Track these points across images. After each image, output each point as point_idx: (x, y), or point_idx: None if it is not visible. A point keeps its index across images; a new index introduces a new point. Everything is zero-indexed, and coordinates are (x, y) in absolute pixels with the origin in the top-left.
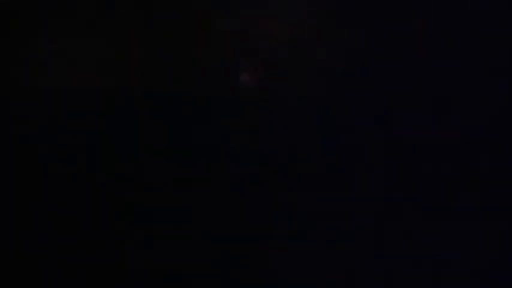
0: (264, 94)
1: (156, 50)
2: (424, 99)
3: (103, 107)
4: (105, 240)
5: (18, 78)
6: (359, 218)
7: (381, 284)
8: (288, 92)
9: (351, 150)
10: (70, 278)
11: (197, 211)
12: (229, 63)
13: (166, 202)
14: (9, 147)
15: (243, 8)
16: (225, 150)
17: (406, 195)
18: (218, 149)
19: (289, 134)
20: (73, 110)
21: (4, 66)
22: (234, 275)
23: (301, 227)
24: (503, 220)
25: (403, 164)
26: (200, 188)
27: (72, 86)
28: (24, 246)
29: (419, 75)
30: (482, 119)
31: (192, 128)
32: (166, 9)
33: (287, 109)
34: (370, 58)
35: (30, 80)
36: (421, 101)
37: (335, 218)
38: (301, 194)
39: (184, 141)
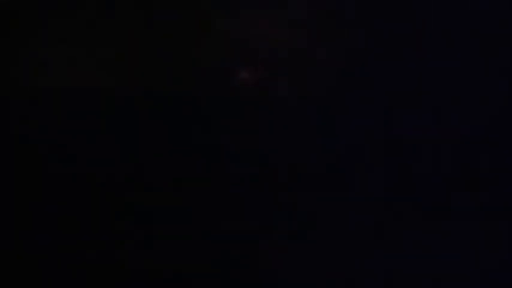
0: (264, 94)
1: (156, 50)
2: (424, 99)
3: (103, 107)
4: (105, 240)
5: (18, 78)
6: (359, 218)
7: (381, 284)
8: (288, 92)
9: (351, 150)
10: (70, 278)
11: (197, 211)
12: (229, 63)
13: (166, 202)
14: (9, 147)
15: (243, 8)
16: (225, 150)
17: (406, 195)
18: (218, 149)
19: (289, 134)
20: (73, 110)
21: (4, 66)
22: (234, 275)
23: (301, 227)
24: (503, 220)
25: (403, 164)
26: (200, 188)
27: (72, 86)
28: (25, 246)
29: (419, 75)
30: (482, 119)
31: (192, 128)
32: (166, 9)
33: (287, 109)
34: (370, 58)
35: (30, 80)
36: (421, 101)
37: (335, 218)
38: (301, 194)
39: (184, 141)
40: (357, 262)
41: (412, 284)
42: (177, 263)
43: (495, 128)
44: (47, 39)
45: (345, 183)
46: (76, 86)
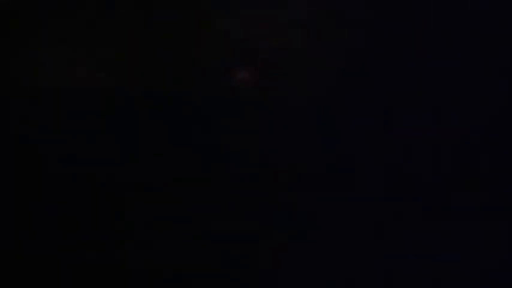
0: (264, 94)
1: (156, 50)
2: (424, 99)
3: (103, 107)
4: (105, 240)
5: (18, 78)
6: (359, 218)
7: (381, 284)
8: (288, 92)
9: (351, 150)
10: (70, 278)
11: (197, 211)
12: (229, 63)
13: (166, 202)
14: (9, 147)
15: (243, 8)
16: (225, 150)
17: (406, 195)
18: (218, 149)
19: (289, 134)
20: (73, 110)
21: (4, 66)
22: (234, 275)
23: (301, 227)
24: (503, 220)
25: (403, 164)
26: (200, 188)
27: (72, 86)
28: (25, 246)
29: (419, 75)
30: (482, 119)
31: (192, 128)
32: (166, 9)
33: (287, 109)
34: (370, 58)
35: (30, 80)
36: (421, 101)
37: (335, 218)
38: (301, 194)
39: (184, 141)
40: (357, 262)
41: (412, 284)
42: (177, 263)
43: (495, 128)
44: (47, 39)
45: (345, 183)
46: (76, 86)
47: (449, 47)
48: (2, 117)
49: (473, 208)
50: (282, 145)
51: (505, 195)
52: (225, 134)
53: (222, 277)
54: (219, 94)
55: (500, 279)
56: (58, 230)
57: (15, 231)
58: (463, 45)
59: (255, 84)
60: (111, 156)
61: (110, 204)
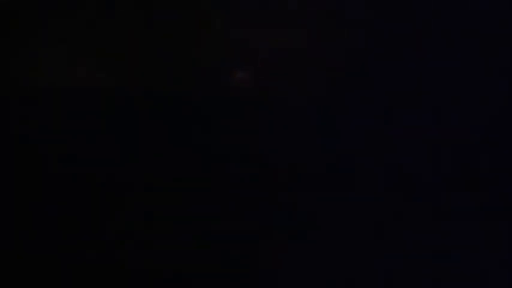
0: (264, 94)
1: (156, 50)
2: (424, 99)
3: (103, 107)
4: (105, 240)
5: (18, 78)
6: (359, 218)
7: (381, 284)
8: (288, 92)
9: (351, 150)
10: (70, 278)
11: (197, 211)
12: (229, 63)
13: (166, 202)
14: (9, 147)
15: (243, 8)
16: (225, 150)
17: (406, 195)
18: (218, 149)
19: (289, 134)
20: (73, 110)
21: (4, 66)
22: (234, 275)
23: (301, 227)
24: (503, 220)
25: (403, 164)
26: (200, 188)
27: (72, 86)
28: (25, 246)
29: (419, 75)
30: (482, 119)
31: (192, 128)
32: (166, 9)
33: (287, 109)
34: (370, 58)
35: (30, 80)
36: (421, 101)
37: (335, 218)
38: (301, 194)
39: (184, 141)
40: (357, 262)
41: (412, 284)
42: (177, 263)
43: (495, 128)
44: (47, 39)
45: (345, 183)
46: (76, 86)
47: (449, 47)
48: (2, 117)
49: (473, 208)
50: (282, 145)
51: (505, 195)
52: (225, 134)
53: (222, 277)
54: (219, 94)
55: (500, 279)
56: (58, 230)
57: (15, 231)
58: (463, 45)
59: (255, 84)
60: (111, 156)
61: (110, 204)
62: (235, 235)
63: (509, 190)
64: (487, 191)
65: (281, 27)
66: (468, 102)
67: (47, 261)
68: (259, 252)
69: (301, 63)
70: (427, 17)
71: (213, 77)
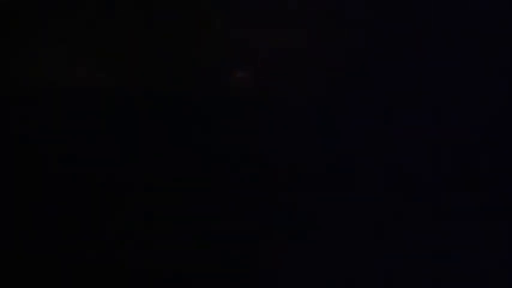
0: (264, 94)
1: (156, 50)
2: (424, 99)
3: (103, 107)
4: (105, 240)
5: (18, 78)
6: (359, 218)
7: (381, 284)
8: (288, 92)
9: (351, 150)
10: (70, 278)
11: (197, 211)
12: (229, 63)
13: (166, 202)
14: (9, 147)
15: (243, 8)
16: (225, 150)
17: (406, 195)
18: (218, 149)
19: (289, 134)
20: (73, 110)
21: (4, 66)
22: (234, 275)
23: (301, 227)
24: (503, 220)
25: (403, 164)
26: (200, 188)
27: (72, 86)
28: (25, 246)
29: (419, 75)
30: (482, 119)
31: (192, 128)
32: (166, 9)
33: (287, 109)
34: (370, 58)
35: (30, 80)
36: (421, 101)
37: (335, 218)
38: (301, 194)
39: (184, 141)
40: (357, 262)
41: (412, 284)
42: (177, 263)
43: (495, 128)
44: (47, 39)
45: (345, 183)
46: (76, 86)
47: (449, 47)
48: (2, 117)
49: (473, 208)
50: (282, 145)
51: (505, 195)
52: (225, 134)
53: (222, 277)
54: (219, 94)
55: (500, 279)
56: (58, 230)
57: (15, 231)
58: (463, 45)
59: (255, 84)
60: (111, 156)
61: (110, 204)
62: (235, 235)
63: (509, 190)
64: (487, 191)
65: (281, 27)
66: (468, 102)
67: (47, 261)
68: (259, 252)
69: (301, 63)
70: (427, 17)
71: (213, 77)
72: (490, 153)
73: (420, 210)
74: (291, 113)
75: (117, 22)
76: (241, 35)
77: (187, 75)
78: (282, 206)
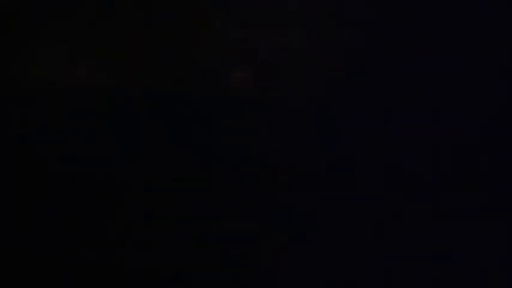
0: (264, 94)
1: (156, 50)
2: (424, 99)
3: (103, 107)
4: (105, 240)
5: (18, 78)
6: (359, 218)
7: (381, 284)
8: (288, 92)
9: (351, 150)
10: (70, 278)
11: (197, 211)
12: (230, 63)
13: (166, 202)
14: (9, 147)
15: (243, 8)
16: (225, 150)
17: (406, 195)
18: (218, 149)
19: (289, 134)
20: (73, 110)
21: (4, 66)
22: (234, 275)
23: (301, 227)
24: (503, 220)
25: (403, 164)
26: (200, 188)
27: (72, 86)
28: (25, 246)
29: (419, 75)
30: (482, 119)
31: (192, 128)
32: (166, 9)
33: (287, 109)
34: (370, 58)
35: (30, 80)
36: (421, 101)
37: (335, 218)
38: (301, 194)
39: (184, 141)
40: (357, 262)
41: (412, 284)
42: (177, 263)
43: (495, 128)
44: (47, 39)
45: (345, 183)
46: (76, 86)
47: (449, 47)
48: (2, 117)
49: (473, 208)
50: (282, 145)
51: (505, 195)
52: (225, 134)
53: (222, 277)
54: (219, 94)
55: (500, 279)
56: (58, 230)
57: (16, 231)
58: (463, 45)
59: (255, 84)
60: (111, 156)
61: (110, 204)
62: (235, 235)
63: (509, 190)
64: (487, 191)
65: (281, 27)
66: (468, 102)
67: (47, 261)
68: (259, 252)
69: (301, 63)
70: (427, 17)
71: (213, 77)
72: (490, 153)
73: (420, 210)
74: (291, 113)
75: (117, 22)
76: (241, 35)
77: (187, 75)
78: (282, 206)
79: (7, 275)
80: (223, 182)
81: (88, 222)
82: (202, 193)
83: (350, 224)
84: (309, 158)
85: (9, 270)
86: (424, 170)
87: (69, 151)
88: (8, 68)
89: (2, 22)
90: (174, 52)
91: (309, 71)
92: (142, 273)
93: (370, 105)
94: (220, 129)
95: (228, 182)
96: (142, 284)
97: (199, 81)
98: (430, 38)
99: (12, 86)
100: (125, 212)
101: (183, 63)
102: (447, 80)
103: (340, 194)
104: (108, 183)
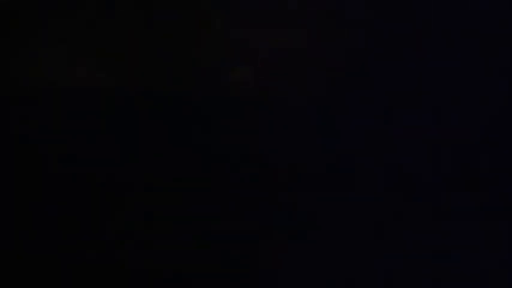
0: (264, 94)
1: (156, 50)
2: (424, 99)
3: (103, 107)
4: (105, 240)
5: (18, 78)
6: (359, 218)
7: (381, 284)
8: (288, 92)
9: (351, 150)
10: (70, 278)
11: (197, 211)
12: (230, 63)
13: (167, 202)
14: (9, 147)
15: (243, 8)
16: (225, 150)
17: (406, 195)
18: (218, 149)
19: (289, 134)
20: (73, 110)
21: (4, 66)
22: (234, 275)
23: (301, 227)
24: (503, 220)
25: (403, 164)
26: (200, 188)
27: (72, 86)
28: (25, 246)
29: (419, 75)
30: (482, 119)
31: (192, 128)
32: (166, 9)
33: (287, 109)
34: (370, 58)
35: (30, 80)
36: (421, 101)
37: (335, 218)
38: (301, 194)
39: (184, 141)
40: (357, 262)
41: (412, 284)
42: (177, 263)
43: (495, 128)
44: (47, 39)
45: (345, 183)
46: (76, 86)
47: (449, 47)
48: (2, 117)
49: (473, 208)
50: (282, 145)
51: (505, 195)
52: (225, 134)
53: (222, 277)
54: (219, 94)
55: (500, 279)
56: (58, 229)
57: (16, 231)
58: (463, 45)
59: (255, 84)
60: (111, 156)
61: (110, 204)
62: (235, 235)
63: (509, 190)
64: (487, 191)
65: (281, 27)
66: (468, 102)
67: (47, 261)
68: (259, 252)
69: (301, 63)
70: (427, 17)
71: (213, 77)
72: (490, 153)
73: (420, 210)
74: (291, 113)
75: (117, 22)
76: (241, 35)
77: (187, 75)
78: (282, 206)
79: (7, 275)
80: (223, 182)
81: (88, 222)
82: (202, 193)
83: (350, 224)
84: (309, 158)
85: (10, 270)
86: (424, 170)
87: (69, 151)
88: (8, 68)
89: (2, 22)
90: (174, 52)
91: (309, 71)
92: (142, 273)
93: (370, 105)
94: (220, 129)
95: (228, 182)
96: (143, 284)
97: (199, 81)
98: (430, 38)
99: (12, 86)
100: (125, 212)
101: (183, 63)
102: (447, 80)
103: (340, 194)
104: (108, 183)
